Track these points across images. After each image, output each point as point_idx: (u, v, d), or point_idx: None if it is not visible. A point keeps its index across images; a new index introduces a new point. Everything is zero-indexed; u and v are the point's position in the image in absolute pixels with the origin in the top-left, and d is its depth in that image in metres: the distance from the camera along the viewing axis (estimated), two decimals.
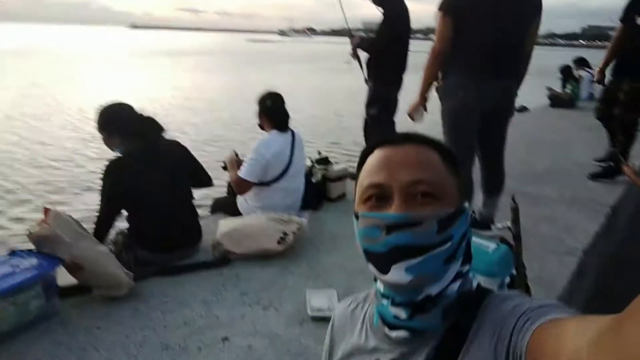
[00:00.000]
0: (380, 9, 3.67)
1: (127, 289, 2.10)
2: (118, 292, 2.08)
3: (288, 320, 2.03)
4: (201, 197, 3.13)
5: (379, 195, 0.66)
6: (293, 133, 2.99)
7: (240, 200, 3.05)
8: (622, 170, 3.06)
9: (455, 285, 0.67)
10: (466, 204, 0.69)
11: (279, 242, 2.51)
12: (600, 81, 4.30)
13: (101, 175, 2.38)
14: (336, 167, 3.44)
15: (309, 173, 3.29)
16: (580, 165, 4.47)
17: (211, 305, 2.12)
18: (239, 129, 9.02)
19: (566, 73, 8.98)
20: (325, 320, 2.01)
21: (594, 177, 4.09)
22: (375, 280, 0.72)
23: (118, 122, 2.43)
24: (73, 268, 1.98)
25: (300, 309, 2.09)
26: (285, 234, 2.54)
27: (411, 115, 2.71)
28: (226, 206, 3.17)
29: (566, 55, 12.36)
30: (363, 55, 3.89)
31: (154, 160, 2.45)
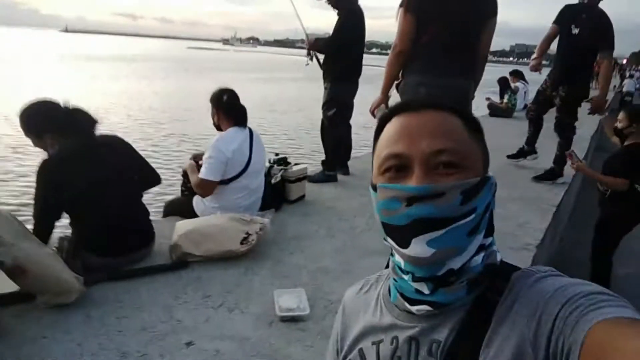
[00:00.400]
0: (335, 10, 3.70)
1: (77, 294, 1.91)
2: (67, 298, 1.89)
3: (256, 322, 1.93)
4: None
5: (398, 166, 0.62)
6: (250, 130, 2.90)
7: (197, 200, 2.91)
8: (574, 168, 3.26)
9: (479, 258, 0.64)
10: (490, 173, 0.65)
11: (241, 243, 2.41)
12: (536, 67, 4.39)
13: (34, 177, 2.13)
14: (295, 168, 3.38)
15: (267, 174, 3.21)
16: (523, 167, 4.70)
17: (172, 310, 1.98)
18: (179, 139, 8.81)
19: (503, 84, 9.50)
20: (295, 320, 1.94)
21: (538, 179, 4.31)
22: (392, 254, 0.68)
23: (45, 119, 2.19)
24: (15, 272, 1.77)
25: (268, 310, 2.00)
26: (248, 234, 2.44)
27: (373, 113, 2.70)
28: (181, 208, 3.00)
29: (498, 71, 13.11)
30: (321, 56, 3.90)
31: (94, 156, 2.26)
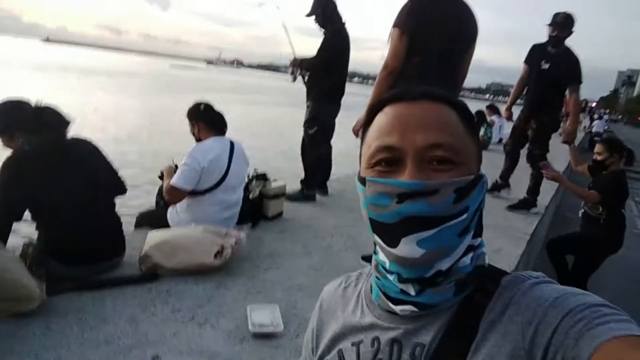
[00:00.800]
0: (322, 29, 3.76)
1: (39, 302, 1.81)
2: (27, 306, 1.78)
3: (227, 337, 1.86)
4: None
5: (389, 159, 0.59)
6: (232, 142, 2.87)
7: (171, 212, 2.84)
8: (549, 178, 3.37)
9: (468, 259, 0.61)
10: (483, 171, 0.63)
11: (215, 256, 2.34)
12: (509, 118, 4.81)
13: None
14: (274, 185, 3.34)
15: (245, 188, 3.16)
16: (497, 197, 4.78)
17: (138, 322, 1.89)
18: (155, 156, 8.67)
19: (480, 118, 9.76)
20: (268, 337, 1.88)
21: (512, 208, 4.39)
22: (376, 252, 0.65)
23: (15, 118, 2.12)
24: None
25: (240, 325, 1.94)
26: (222, 247, 2.37)
27: (357, 133, 2.66)
28: (154, 219, 2.92)
29: (474, 106, 13.50)
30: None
31: (62, 157, 2.17)
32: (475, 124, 0.66)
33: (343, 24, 3.88)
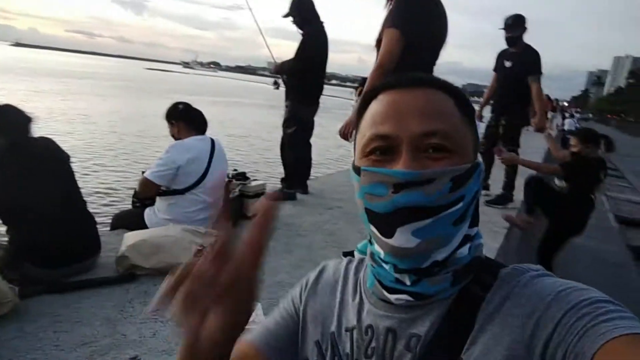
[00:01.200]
0: (300, 30, 3.76)
1: (11, 305, 1.75)
2: None
3: None
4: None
5: (384, 148, 0.58)
6: (213, 141, 2.84)
7: (148, 212, 2.79)
8: (505, 160, 3.73)
9: (465, 249, 0.60)
10: (480, 159, 0.61)
11: (195, 256, 2.30)
12: (480, 118, 5.08)
13: None
14: (254, 184, 3.32)
15: None
16: None
17: (116, 324, 1.85)
18: (129, 159, 8.51)
19: None
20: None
21: (489, 203, 4.47)
22: (371, 243, 0.63)
23: None
24: None
25: None
26: (202, 246, 2.34)
27: (345, 135, 2.49)
28: (130, 220, 2.85)
29: None
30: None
31: (32, 156, 2.12)
32: (472, 111, 0.64)
33: (321, 24, 3.89)
